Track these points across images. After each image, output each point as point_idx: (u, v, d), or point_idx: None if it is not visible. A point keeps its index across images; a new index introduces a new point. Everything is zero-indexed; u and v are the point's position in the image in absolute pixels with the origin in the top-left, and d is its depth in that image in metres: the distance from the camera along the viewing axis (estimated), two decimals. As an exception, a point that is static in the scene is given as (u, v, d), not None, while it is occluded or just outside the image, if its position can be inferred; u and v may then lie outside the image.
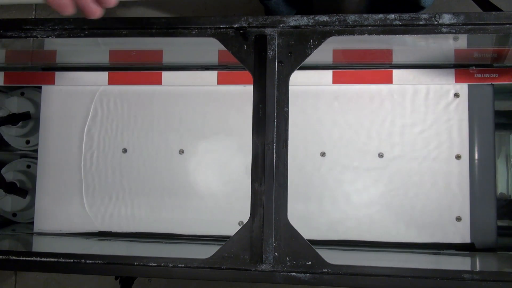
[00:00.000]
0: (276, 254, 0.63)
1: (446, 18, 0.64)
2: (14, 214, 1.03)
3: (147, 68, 0.97)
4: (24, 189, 1.00)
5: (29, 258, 0.68)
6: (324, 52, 0.90)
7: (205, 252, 0.66)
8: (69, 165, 0.96)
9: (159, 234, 0.93)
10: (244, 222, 0.65)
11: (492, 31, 0.64)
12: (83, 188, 0.95)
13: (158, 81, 0.95)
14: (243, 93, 0.94)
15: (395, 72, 0.90)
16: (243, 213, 0.90)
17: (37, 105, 1.01)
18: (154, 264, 0.65)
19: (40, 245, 0.92)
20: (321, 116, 0.91)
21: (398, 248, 0.87)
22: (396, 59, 0.89)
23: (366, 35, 0.66)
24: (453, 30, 0.64)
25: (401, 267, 0.62)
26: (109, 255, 0.67)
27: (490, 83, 0.88)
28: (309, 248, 0.63)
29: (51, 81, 0.98)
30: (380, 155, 0.89)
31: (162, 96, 0.95)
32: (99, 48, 0.95)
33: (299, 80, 0.92)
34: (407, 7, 1.10)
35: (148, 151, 0.95)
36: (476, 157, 0.88)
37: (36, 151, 1.00)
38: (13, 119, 0.98)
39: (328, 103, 0.91)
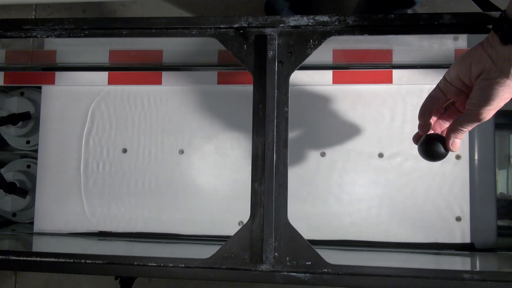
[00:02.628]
0: (276, 254, 0.63)
1: (446, 18, 0.64)
2: (14, 214, 1.03)
3: (147, 68, 0.97)
4: (24, 189, 1.00)
5: (29, 258, 0.68)
6: (324, 52, 0.91)
7: (205, 252, 0.66)
8: (69, 165, 0.96)
9: (159, 234, 0.93)
10: (244, 222, 0.65)
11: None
12: (83, 188, 0.95)
13: (158, 81, 0.95)
14: (243, 93, 0.94)
15: (395, 72, 0.90)
16: (243, 213, 0.90)
17: (37, 105, 1.01)
18: (154, 264, 0.65)
19: (40, 245, 0.92)
20: (321, 116, 0.91)
21: (398, 248, 0.87)
22: (396, 59, 0.89)
23: (366, 35, 0.66)
24: (453, 30, 0.64)
25: (401, 267, 0.62)
26: (109, 255, 0.67)
27: (490, 83, 0.88)
28: (309, 248, 0.63)
29: (51, 81, 0.98)
30: (380, 155, 0.89)
31: (162, 96, 0.95)
32: (99, 48, 0.96)
33: (299, 80, 0.92)
34: (400, 3, 1.11)
35: (148, 151, 0.95)
36: (476, 157, 0.88)
37: (36, 151, 1.00)
38: (13, 119, 0.98)
39: (328, 103, 0.92)
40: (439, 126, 0.66)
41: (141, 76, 0.96)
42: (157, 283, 1.46)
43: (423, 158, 0.64)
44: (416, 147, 0.87)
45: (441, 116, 0.65)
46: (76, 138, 0.96)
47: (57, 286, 1.49)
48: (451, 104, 0.63)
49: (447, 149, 0.62)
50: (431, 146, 0.62)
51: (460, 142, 0.61)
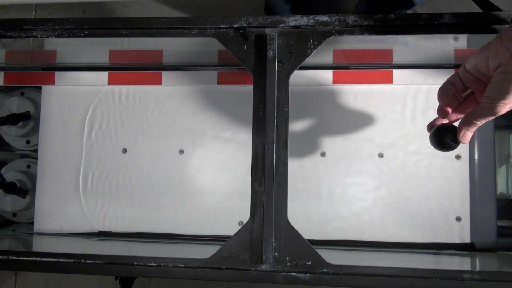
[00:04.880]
0: (276, 254, 0.63)
1: (446, 18, 0.64)
2: (14, 214, 1.03)
3: (147, 68, 0.97)
4: (24, 189, 1.00)
5: (29, 258, 0.68)
6: (324, 52, 0.91)
7: (205, 252, 0.66)
8: (69, 165, 0.96)
9: (159, 234, 0.93)
10: (244, 222, 0.65)
11: (492, 31, 0.64)
12: (83, 188, 0.95)
13: (158, 81, 0.95)
14: (243, 93, 0.94)
15: (395, 72, 0.90)
16: (243, 213, 0.91)
17: (37, 105, 1.01)
18: (154, 264, 0.65)
19: (40, 245, 0.92)
20: (321, 116, 0.91)
21: (398, 248, 0.87)
22: (396, 59, 0.89)
23: (366, 35, 0.66)
24: (453, 30, 0.64)
25: (401, 267, 0.62)
26: (109, 255, 0.67)
27: (490, 83, 0.88)
28: (309, 248, 0.63)
29: (51, 81, 0.98)
30: (380, 155, 0.89)
31: (162, 96, 0.95)
32: (99, 48, 0.96)
33: (299, 80, 0.92)
34: (400, 3, 1.12)
35: (148, 151, 0.95)
36: (476, 157, 0.88)
37: (36, 151, 1.00)
38: (13, 119, 0.98)
39: (328, 103, 0.92)
40: (456, 116, 0.66)
41: (141, 76, 0.96)
42: (157, 283, 1.46)
43: (433, 147, 0.65)
44: (415, 147, 0.87)
45: (460, 106, 0.65)
46: (76, 138, 0.96)
47: (57, 286, 1.49)
48: (471, 94, 0.63)
49: (457, 141, 0.62)
50: (442, 136, 0.63)
51: (471, 135, 0.61)
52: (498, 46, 0.53)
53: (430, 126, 0.67)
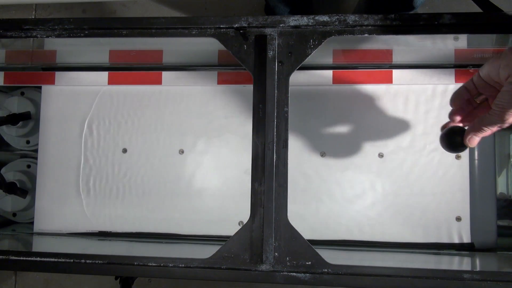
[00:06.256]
0: (276, 254, 0.63)
1: (446, 18, 0.64)
2: (14, 214, 1.03)
3: (147, 68, 0.97)
4: (24, 189, 1.00)
5: (29, 258, 0.68)
6: (324, 52, 0.91)
7: (205, 252, 0.66)
8: (69, 165, 0.96)
9: (159, 234, 0.93)
10: (244, 222, 0.65)
11: (492, 31, 0.64)
12: (83, 188, 0.95)
13: (158, 81, 0.95)
14: (243, 93, 0.94)
15: (395, 72, 0.90)
16: (243, 213, 0.91)
17: (37, 105, 1.01)
18: (154, 264, 0.65)
19: (40, 245, 0.92)
20: (321, 116, 0.91)
21: (398, 248, 0.87)
22: (396, 59, 0.89)
23: (366, 35, 0.66)
24: (453, 30, 0.64)
25: (401, 267, 0.62)
26: (109, 255, 0.67)
27: (490, 83, 0.88)
28: (309, 248, 0.63)
29: (51, 81, 0.98)
30: (380, 155, 0.89)
31: (162, 96, 0.95)
32: (99, 48, 0.96)
33: (299, 80, 0.92)
34: (400, 6, 1.12)
35: (148, 151, 0.95)
36: (476, 157, 0.88)
37: (36, 151, 1.00)
38: (13, 119, 0.98)
39: (328, 103, 0.92)
40: (468, 121, 0.67)
41: (141, 76, 0.96)
42: (157, 283, 1.46)
43: (442, 147, 0.67)
44: (415, 147, 0.87)
45: (473, 111, 0.66)
46: (76, 138, 0.96)
47: (57, 286, 1.49)
48: (485, 100, 0.64)
49: (464, 144, 0.63)
50: (450, 138, 0.65)
51: (478, 140, 0.62)
52: (509, 57, 0.54)
53: (443, 127, 0.69)
